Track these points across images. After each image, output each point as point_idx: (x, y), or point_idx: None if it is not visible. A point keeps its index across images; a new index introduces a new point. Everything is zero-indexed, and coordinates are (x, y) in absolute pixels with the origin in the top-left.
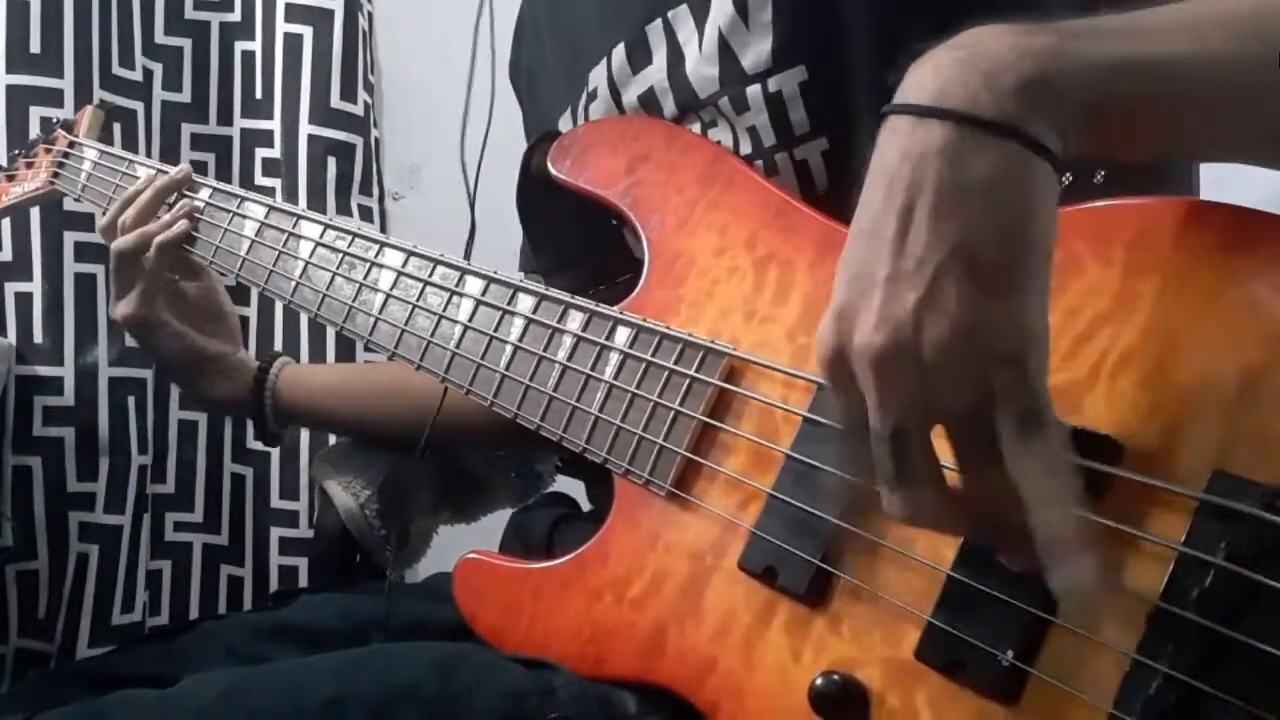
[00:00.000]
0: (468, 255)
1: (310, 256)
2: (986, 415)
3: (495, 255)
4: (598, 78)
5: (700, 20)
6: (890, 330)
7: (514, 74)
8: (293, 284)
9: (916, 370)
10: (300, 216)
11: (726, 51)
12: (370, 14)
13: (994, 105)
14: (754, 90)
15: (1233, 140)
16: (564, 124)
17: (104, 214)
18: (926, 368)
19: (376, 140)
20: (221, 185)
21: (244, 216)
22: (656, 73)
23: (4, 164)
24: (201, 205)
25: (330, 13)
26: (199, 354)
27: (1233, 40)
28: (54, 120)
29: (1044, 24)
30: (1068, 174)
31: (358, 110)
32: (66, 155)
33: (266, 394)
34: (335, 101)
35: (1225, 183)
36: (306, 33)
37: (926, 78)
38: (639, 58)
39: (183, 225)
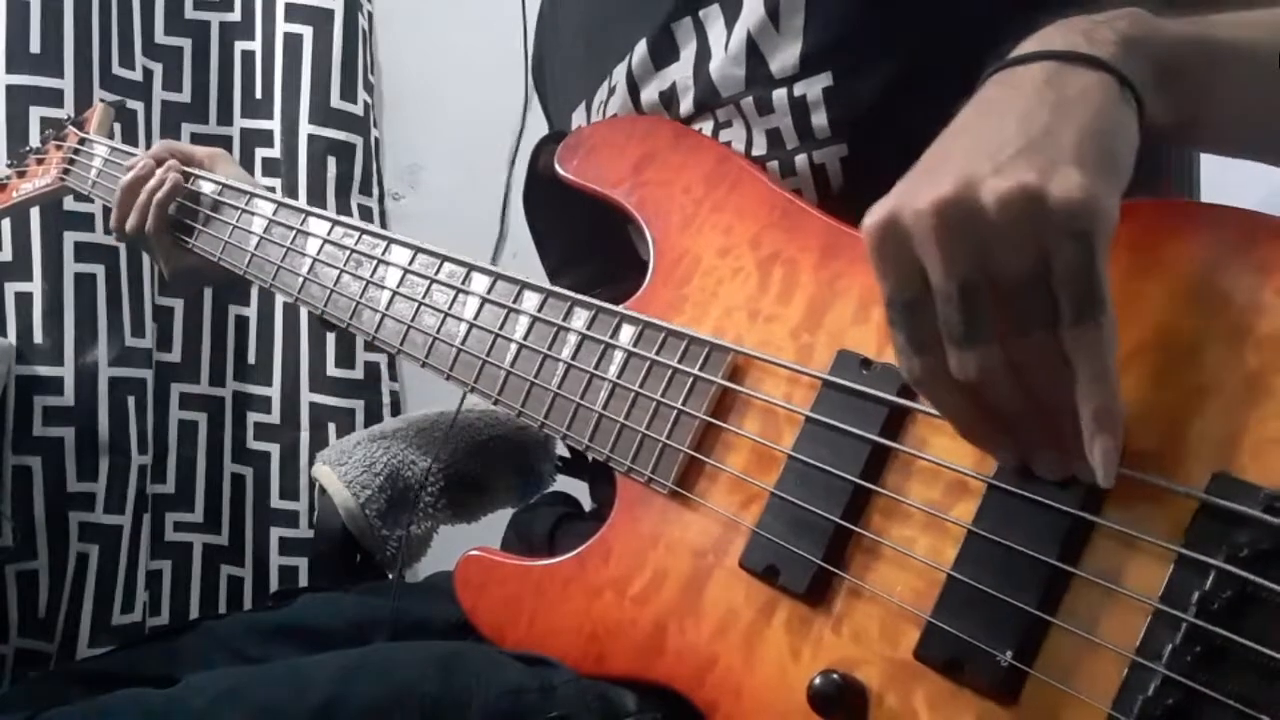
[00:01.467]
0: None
1: (318, 253)
2: (1046, 285)
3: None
4: (619, 74)
5: (730, 20)
6: (957, 184)
7: (536, 72)
8: (300, 280)
9: (981, 223)
10: (308, 213)
11: (754, 53)
12: (370, 14)
13: (1093, 48)
14: (779, 94)
15: (1267, 131)
16: (578, 118)
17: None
18: (991, 222)
19: (376, 140)
20: (230, 182)
21: (253, 213)
22: (681, 69)
23: (7, 163)
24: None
25: (330, 13)
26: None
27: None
28: (64, 118)
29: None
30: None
31: (358, 110)
32: (77, 152)
33: None
34: (335, 101)
35: (1225, 184)
36: (306, 32)
37: (1027, 44)
38: (663, 54)
39: (173, 180)
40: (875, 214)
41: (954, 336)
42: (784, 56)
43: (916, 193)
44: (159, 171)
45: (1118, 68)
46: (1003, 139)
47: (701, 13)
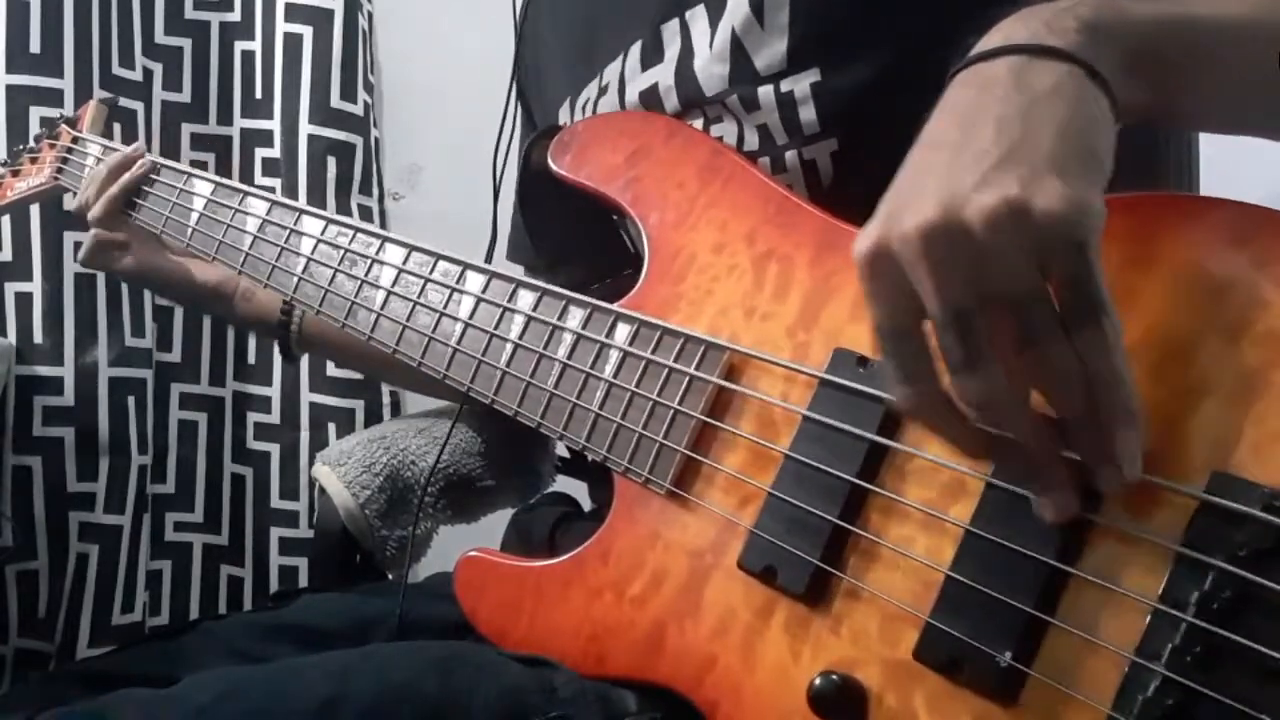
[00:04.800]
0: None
1: (312, 253)
2: (1044, 296)
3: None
4: (612, 73)
5: (715, 19)
6: (942, 207)
7: (520, 77)
8: (295, 279)
9: (971, 247)
10: (302, 212)
11: (739, 51)
12: (370, 14)
13: (1057, 39)
14: (766, 90)
15: (1252, 106)
16: (562, 115)
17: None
18: (980, 243)
19: (376, 140)
20: (224, 181)
21: (246, 213)
22: (664, 70)
23: (0, 162)
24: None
25: (330, 13)
26: (202, 284)
27: (1269, 8)
28: (58, 116)
29: None
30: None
31: (358, 110)
32: (70, 150)
33: (293, 329)
34: (335, 101)
35: (1225, 179)
36: (306, 33)
37: (989, 38)
38: (651, 55)
39: (136, 172)
40: (863, 242)
41: (954, 363)
42: (770, 53)
43: (901, 216)
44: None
45: (1083, 57)
46: (979, 149)
47: (687, 14)
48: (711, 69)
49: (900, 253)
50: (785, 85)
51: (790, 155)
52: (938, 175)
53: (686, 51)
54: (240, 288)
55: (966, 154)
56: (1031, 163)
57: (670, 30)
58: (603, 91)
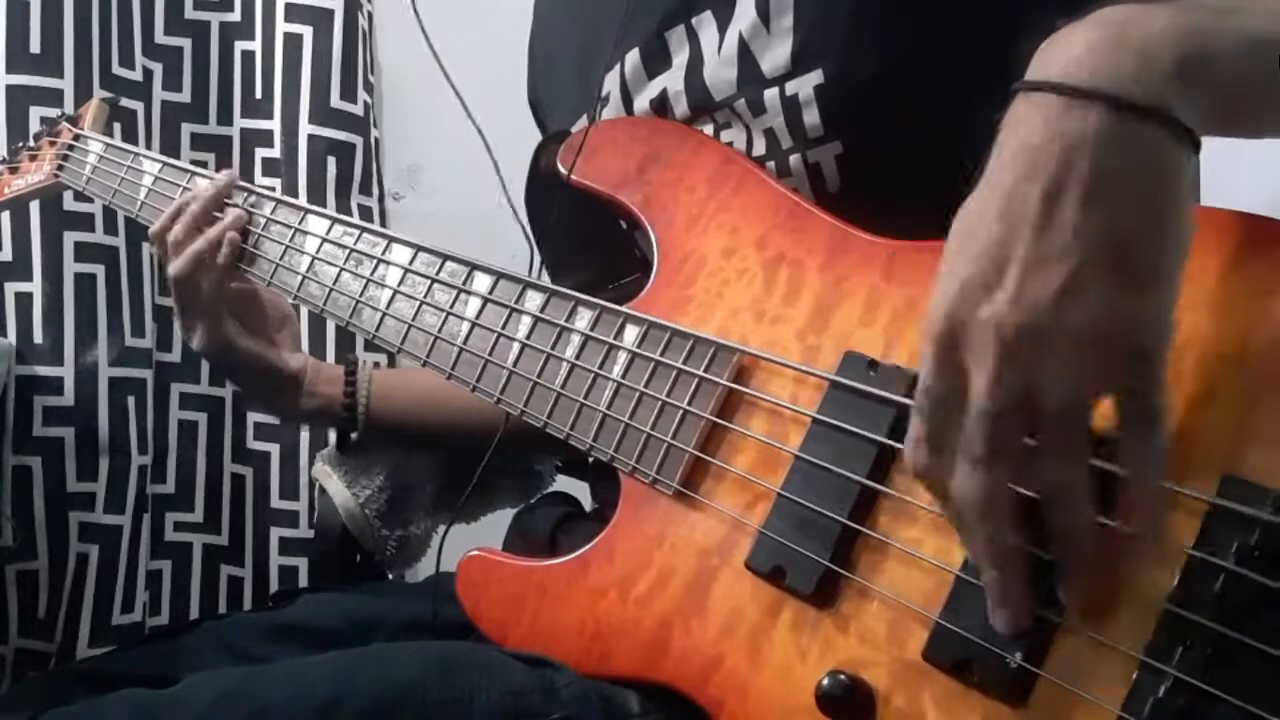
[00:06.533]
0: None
1: (317, 252)
2: (1088, 410)
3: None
4: (610, 83)
5: (723, 25)
6: (1029, 311)
7: (532, 99)
8: (299, 279)
9: (1045, 354)
10: (308, 212)
11: (746, 55)
12: (370, 14)
13: (1149, 89)
14: (771, 93)
15: None
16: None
17: (153, 223)
18: (1055, 354)
19: (376, 140)
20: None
21: (250, 212)
22: (673, 76)
23: (4, 159)
24: (261, 220)
25: (330, 13)
26: (279, 372)
27: None
28: (59, 114)
29: (1182, 2)
30: None
31: (358, 110)
32: (71, 148)
33: (360, 411)
34: (335, 101)
35: (1225, 187)
36: (306, 32)
37: (1076, 54)
38: (655, 63)
39: (234, 241)
40: (941, 308)
41: (971, 455)
42: (775, 56)
43: (982, 296)
44: (212, 231)
45: (1176, 115)
46: (1064, 237)
47: (694, 19)
48: (720, 73)
49: (974, 333)
50: (790, 88)
51: (795, 159)
52: (1020, 262)
53: (695, 58)
54: (306, 379)
55: (1050, 242)
56: (1116, 267)
57: (676, 37)
58: (604, 101)
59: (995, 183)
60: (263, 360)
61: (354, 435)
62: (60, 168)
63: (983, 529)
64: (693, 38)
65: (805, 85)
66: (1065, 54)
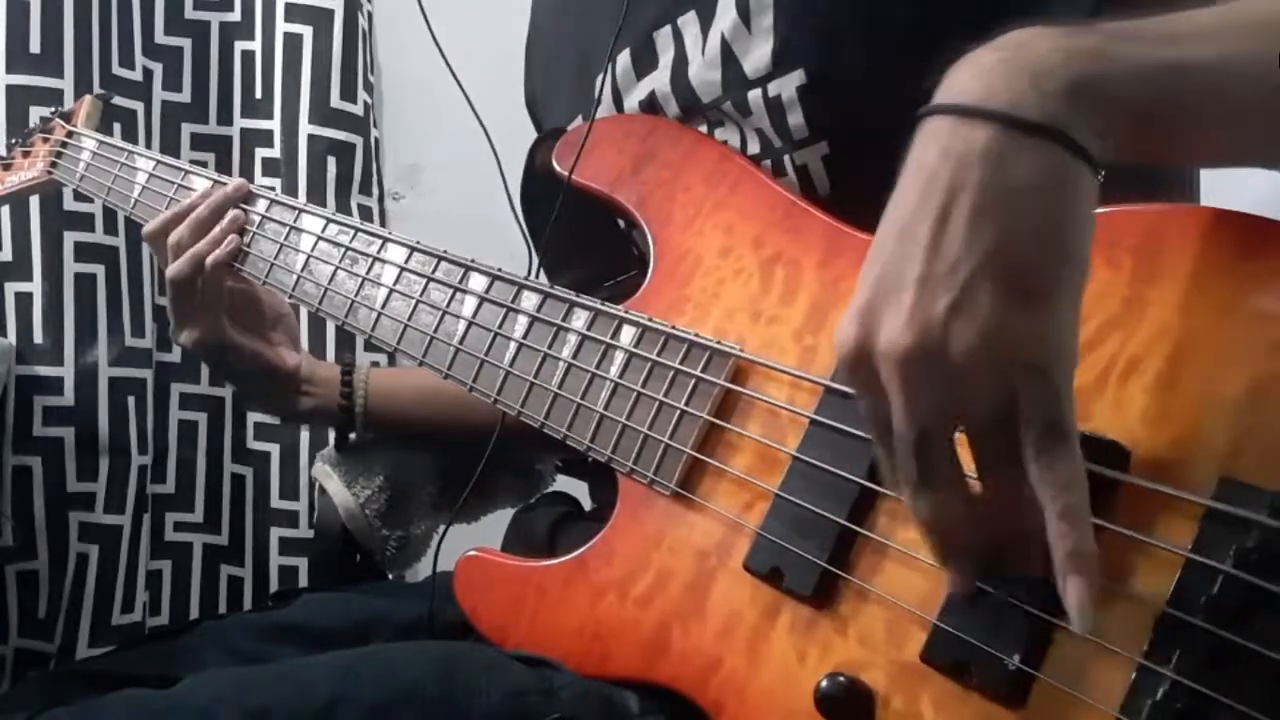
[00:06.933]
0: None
1: (312, 250)
2: (1011, 422)
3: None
4: (603, 84)
5: (706, 25)
6: (919, 332)
7: (529, 103)
8: (294, 277)
9: (943, 374)
10: (302, 210)
11: (729, 56)
12: (370, 14)
13: (1040, 107)
14: (754, 95)
15: (1260, 143)
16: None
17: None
18: (953, 372)
19: (376, 140)
20: (221, 178)
21: (246, 210)
22: (660, 77)
23: (1, 153)
24: (256, 219)
25: (330, 13)
26: (275, 370)
27: (1266, 43)
28: (52, 110)
29: (1086, 26)
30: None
31: (358, 110)
32: (64, 145)
33: (358, 410)
34: (335, 101)
35: (1225, 188)
36: (306, 32)
37: (969, 79)
38: (644, 63)
39: (234, 242)
40: (843, 339)
41: (908, 480)
42: (756, 56)
43: (880, 322)
44: (214, 231)
45: (1071, 134)
46: (953, 253)
47: (679, 20)
48: (705, 75)
49: (878, 364)
50: (772, 89)
51: (786, 160)
52: (913, 280)
53: (680, 58)
54: (302, 378)
55: (940, 259)
56: (1007, 280)
57: (663, 37)
58: (597, 102)
59: (894, 206)
60: (259, 358)
61: (352, 435)
62: (54, 164)
63: (938, 543)
64: (678, 38)
65: (788, 86)
66: (960, 77)
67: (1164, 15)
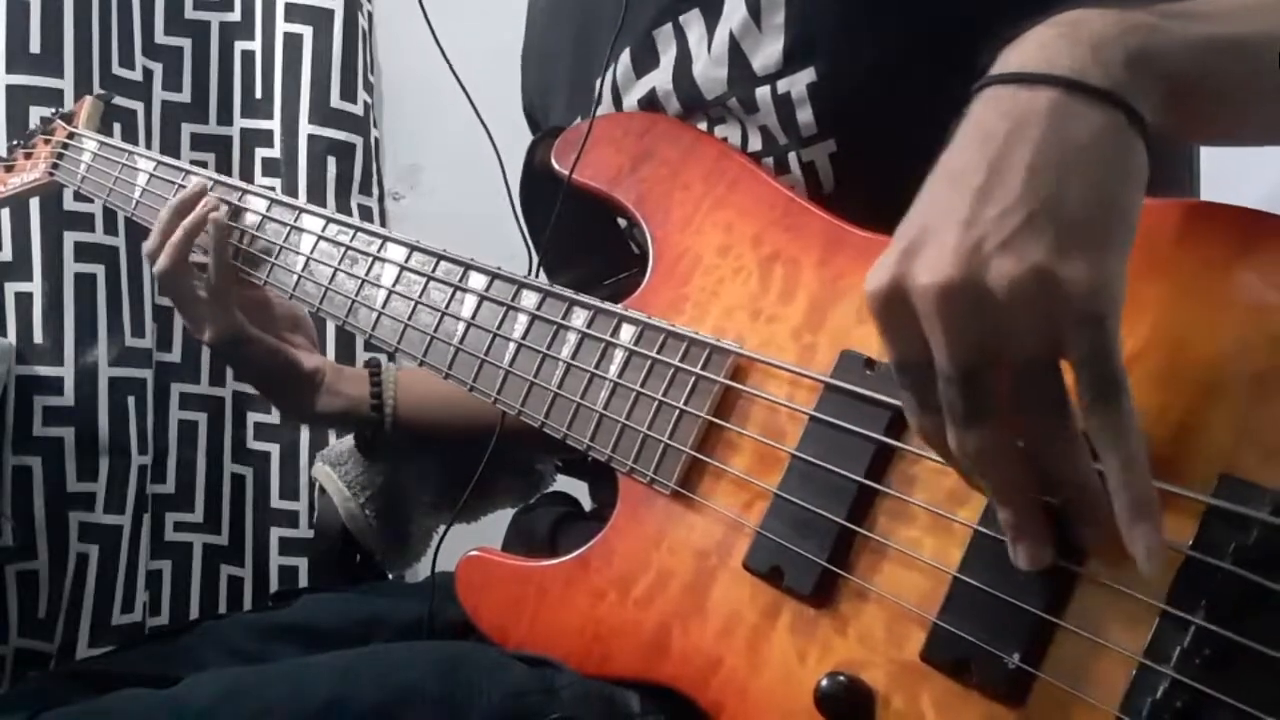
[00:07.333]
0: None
1: (312, 251)
2: (1055, 370)
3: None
4: (604, 83)
5: (711, 23)
6: (965, 268)
7: (527, 109)
8: (295, 278)
9: (988, 309)
10: (302, 210)
11: (737, 53)
12: (370, 14)
13: (1102, 75)
14: (763, 91)
15: None
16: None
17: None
18: (999, 307)
19: (376, 140)
20: (222, 178)
21: (245, 210)
22: (661, 75)
23: (2, 155)
24: (256, 219)
25: (330, 13)
26: (295, 368)
27: None
28: (53, 111)
29: (1130, 9)
30: None
31: (358, 110)
32: (66, 146)
33: (388, 413)
34: (335, 101)
35: (1226, 183)
36: (306, 32)
37: (1030, 50)
38: (644, 62)
39: (218, 220)
40: (877, 280)
41: (955, 416)
42: (766, 53)
43: (919, 260)
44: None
45: (1128, 100)
46: (1007, 201)
47: (682, 18)
48: (710, 72)
49: (916, 301)
50: (782, 86)
51: (791, 156)
52: (960, 221)
53: (683, 56)
54: (326, 379)
55: (993, 203)
56: (1060, 228)
57: (664, 35)
58: (597, 103)
59: (945, 163)
60: (278, 354)
61: (385, 431)
62: (55, 166)
63: (987, 478)
64: (680, 36)
65: (798, 83)
66: (1020, 51)
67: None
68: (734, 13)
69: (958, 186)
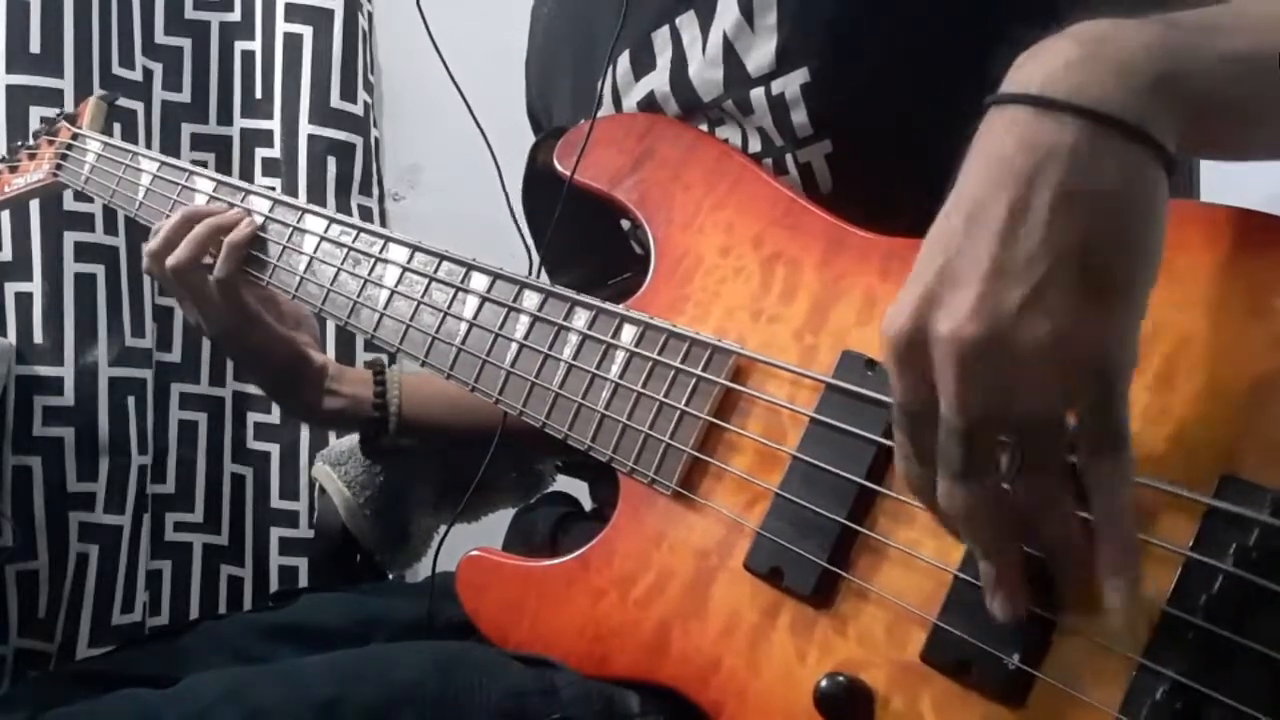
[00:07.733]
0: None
1: (315, 251)
2: (1063, 429)
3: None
4: (604, 87)
5: (705, 24)
6: (988, 323)
7: (531, 114)
8: (297, 279)
9: (1005, 368)
10: (305, 211)
11: (731, 54)
12: (370, 14)
13: (1126, 105)
14: (757, 93)
15: None
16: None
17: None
18: (1016, 367)
19: (376, 140)
20: (225, 179)
21: (247, 210)
22: (658, 78)
23: (3, 158)
24: (259, 219)
25: (330, 13)
26: (303, 362)
27: None
28: (57, 113)
29: (1151, 19)
30: None
31: (358, 110)
32: (70, 147)
33: (392, 414)
34: (335, 101)
35: (1225, 185)
36: (306, 32)
37: (1053, 68)
38: (642, 64)
39: (251, 222)
40: (897, 324)
41: (950, 469)
42: (759, 54)
43: (942, 308)
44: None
45: (1156, 136)
46: (1030, 248)
47: (678, 20)
48: (706, 74)
49: (933, 349)
50: (775, 87)
51: (788, 158)
52: (983, 271)
53: (679, 58)
54: (330, 378)
55: (1016, 252)
56: (1086, 279)
57: (661, 38)
58: (597, 104)
59: (963, 193)
60: (288, 345)
61: (388, 432)
62: (59, 167)
63: (972, 535)
64: (676, 38)
65: (791, 84)
66: (1042, 68)
67: (1223, 4)
68: (727, 13)
69: (978, 226)
